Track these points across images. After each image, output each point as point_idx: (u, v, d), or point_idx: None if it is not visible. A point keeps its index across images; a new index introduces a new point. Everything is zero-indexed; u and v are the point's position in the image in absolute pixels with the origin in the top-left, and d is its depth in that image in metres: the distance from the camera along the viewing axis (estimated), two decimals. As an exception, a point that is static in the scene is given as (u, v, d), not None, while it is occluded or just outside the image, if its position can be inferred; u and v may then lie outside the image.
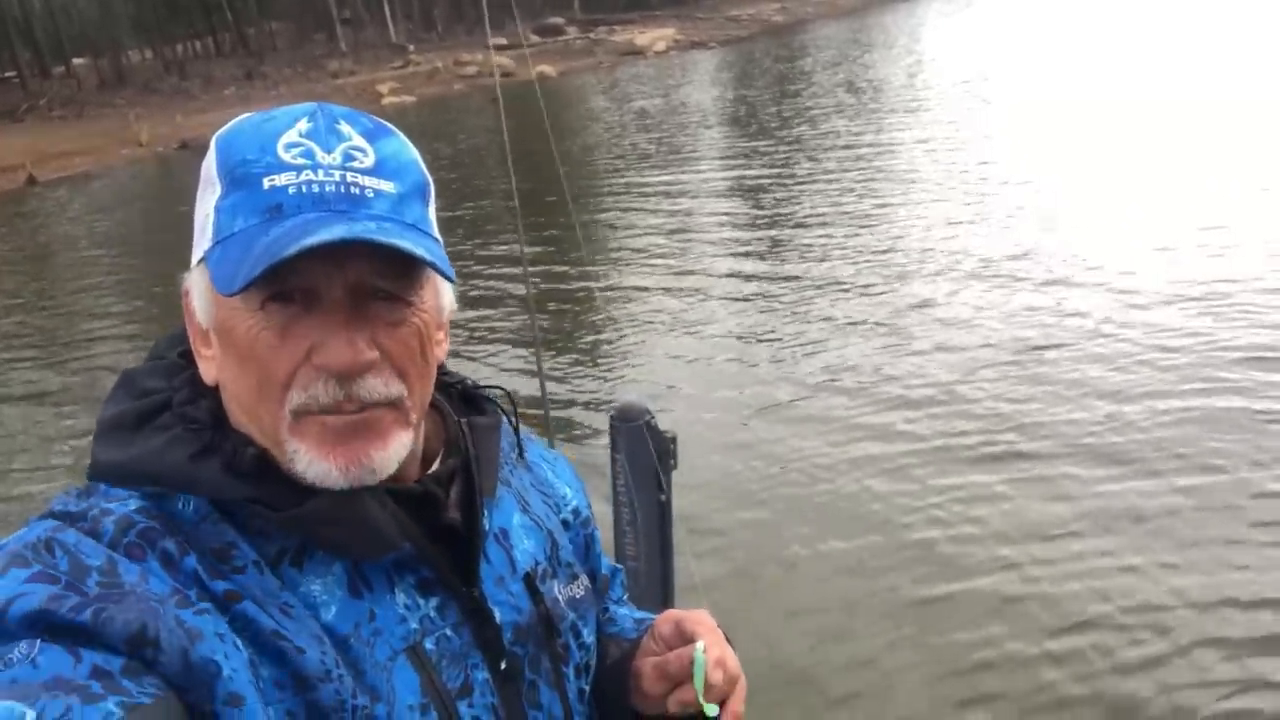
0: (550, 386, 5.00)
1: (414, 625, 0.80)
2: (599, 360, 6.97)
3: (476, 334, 7.63)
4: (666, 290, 8.37)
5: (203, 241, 0.76)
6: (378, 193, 0.76)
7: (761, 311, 7.46)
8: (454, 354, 4.63)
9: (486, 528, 0.88)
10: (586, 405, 6.06)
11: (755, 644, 3.45)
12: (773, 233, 9.91)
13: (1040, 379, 5.58)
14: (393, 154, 0.79)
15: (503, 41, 47.10)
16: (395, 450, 0.78)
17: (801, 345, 6.66)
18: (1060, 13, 33.85)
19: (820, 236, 9.31)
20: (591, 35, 48.77)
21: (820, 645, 3.56)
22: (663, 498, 1.29)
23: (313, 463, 0.75)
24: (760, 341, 6.82)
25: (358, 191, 0.75)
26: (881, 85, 21.09)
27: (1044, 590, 3.74)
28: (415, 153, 0.82)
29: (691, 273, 8.87)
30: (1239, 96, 13.38)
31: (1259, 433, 4.70)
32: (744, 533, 4.34)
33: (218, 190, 0.75)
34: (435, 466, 0.88)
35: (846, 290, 7.65)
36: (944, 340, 6.36)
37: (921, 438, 5.07)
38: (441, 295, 0.84)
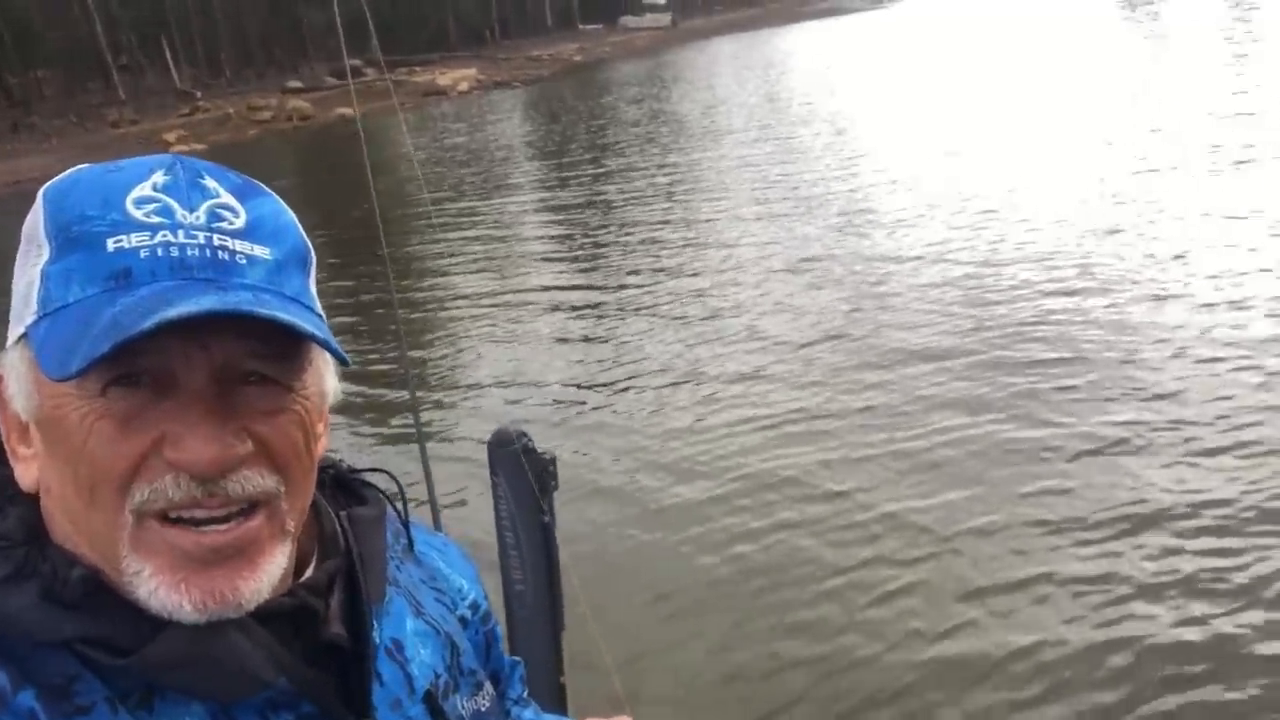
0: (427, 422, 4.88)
1: None
2: (455, 389, 6.87)
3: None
4: (494, 314, 8.45)
5: (24, 315, 0.62)
6: (251, 259, 0.64)
7: (598, 322, 7.65)
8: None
9: (377, 641, 0.74)
10: (465, 438, 5.99)
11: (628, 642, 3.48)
12: (593, 250, 10.31)
13: (849, 357, 6.20)
14: (268, 215, 0.68)
15: (299, 84, 45.68)
16: (269, 575, 0.64)
17: (625, 349, 6.98)
18: (849, 45, 36.35)
19: (638, 252, 9.81)
20: (392, 76, 48.06)
21: (692, 642, 3.63)
22: (545, 519, 1.29)
23: (159, 591, 0.61)
24: (595, 346, 6.97)
25: (227, 257, 0.63)
26: (680, 116, 22.13)
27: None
28: (292, 215, 0.71)
29: (518, 291, 9.05)
30: (1022, 111, 14.81)
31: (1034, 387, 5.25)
32: (622, 544, 4.38)
33: (45, 253, 0.62)
34: (310, 572, 0.73)
35: (662, 298, 8.18)
36: (757, 329, 7.12)
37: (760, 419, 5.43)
38: (325, 380, 0.71)
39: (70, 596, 0.61)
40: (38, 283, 0.62)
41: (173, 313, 0.57)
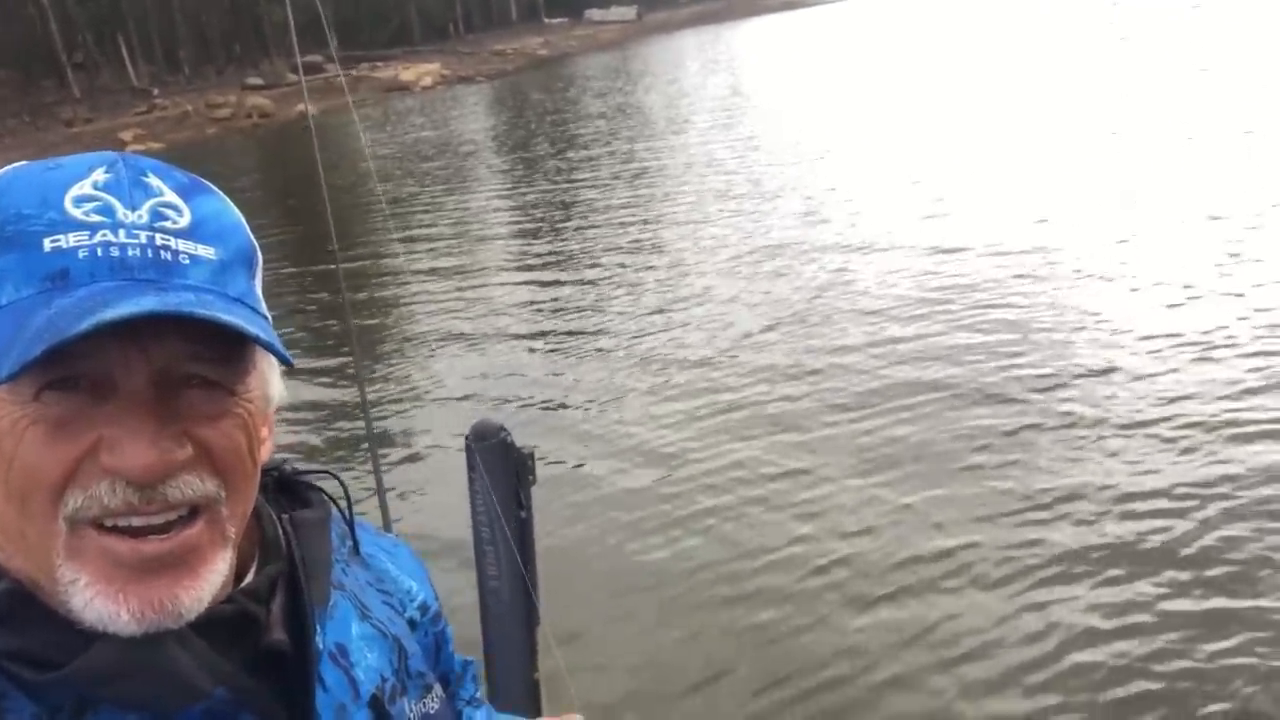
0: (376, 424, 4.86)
1: None
2: (410, 386, 6.82)
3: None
4: (449, 310, 8.44)
5: None
6: (194, 259, 0.62)
7: (567, 316, 7.63)
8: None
9: (320, 647, 0.72)
10: (418, 437, 5.98)
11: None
12: (553, 245, 10.30)
13: (811, 343, 6.24)
14: (213, 214, 0.66)
15: (259, 81, 45.08)
16: (210, 583, 0.62)
17: (594, 340, 6.93)
18: (809, 37, 36.52)
19: (598, 246, 9.82)
20: (354, 72, 47.57)
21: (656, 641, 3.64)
22: (523, 514, 1.28)
23: (95, 601, 0.59)
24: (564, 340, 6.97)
25: (169, 257, 0.61)
26: (645, 109, 22.23)
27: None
28: (239, 214, 0.69)
29: (476, 287, 9.04)
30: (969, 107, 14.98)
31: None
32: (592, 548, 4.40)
33: None
34: (250, 577, 0.71)
35: (619, 288, 8.29)
36: (712, 318, 7.25)
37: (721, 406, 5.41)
38: (270, 384, 0.70)
39: None
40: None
41: (110, 314, 0.54)
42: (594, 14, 71.40)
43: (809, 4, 54.86)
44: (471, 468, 1.28)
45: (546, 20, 71.50)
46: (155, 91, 46.36)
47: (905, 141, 13.14)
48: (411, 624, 0.85)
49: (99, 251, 0.59)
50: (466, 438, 1.28)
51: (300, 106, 35.93)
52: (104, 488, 0.58)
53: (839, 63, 25.79)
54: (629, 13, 70.84)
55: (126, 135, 33.95)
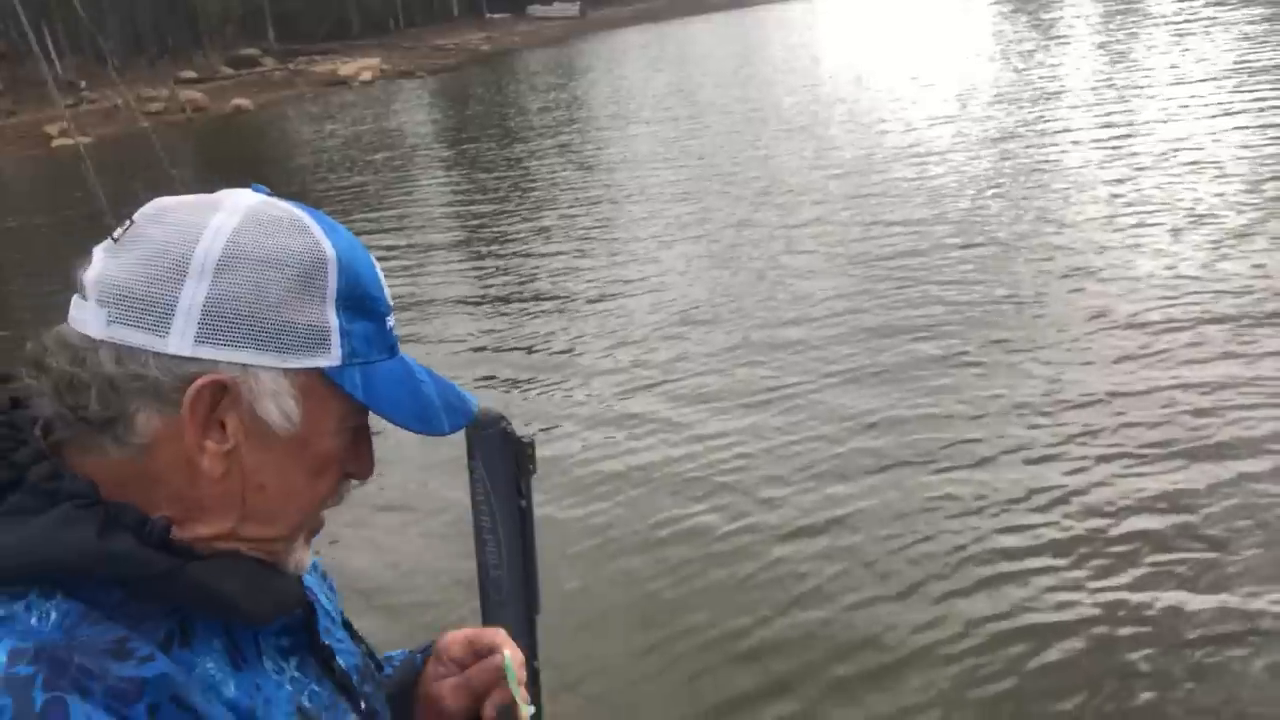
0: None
1: (289, 688, 0.80)
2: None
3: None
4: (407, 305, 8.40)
5: (316, 351, 0.74)
6: None
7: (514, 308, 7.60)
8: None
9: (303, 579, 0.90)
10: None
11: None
12: (497, 239, 10.35)
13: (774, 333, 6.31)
14: None
15: (192, 75, 43.96)
16: None
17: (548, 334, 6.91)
18: (753, 35, 36.79)
19: (541, 239, 10.03)
20: (291, 66, 46.62)
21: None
22: (523, 503, 1.28)
23: (297, 554, 0.81)
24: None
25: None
26: (590, 104, 22.38)
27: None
28: None
29: (423, 285, 9.01)
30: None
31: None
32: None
33: (330, 302, 0.74)
34: None
35: (561, 282, 8.46)
36: (658, 306, 7.45)
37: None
38: None
39: (157, 539, 0.71)
40: (335, 332, 0.75)
41: (469, 408, 0.87)
42: (537, 9, 70.92)
43: (753, 3, 55.28)
44: (471, 456, 1.27)
45: (488, 15, 70.82)
46: (83, 84, 44.89)
47: (847, 131, 13.44)
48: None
49: (393, 331, 0.82)
50: (466, 426, 1.28)
51: (238, 101, 35.14)
52: (339, 491, 0.83)
53: (782, 57, 26.11)
54: (572, 9, 70.50)
55: (52, 129, 32.63)
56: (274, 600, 0.77)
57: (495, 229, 11.14)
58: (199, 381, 0.70)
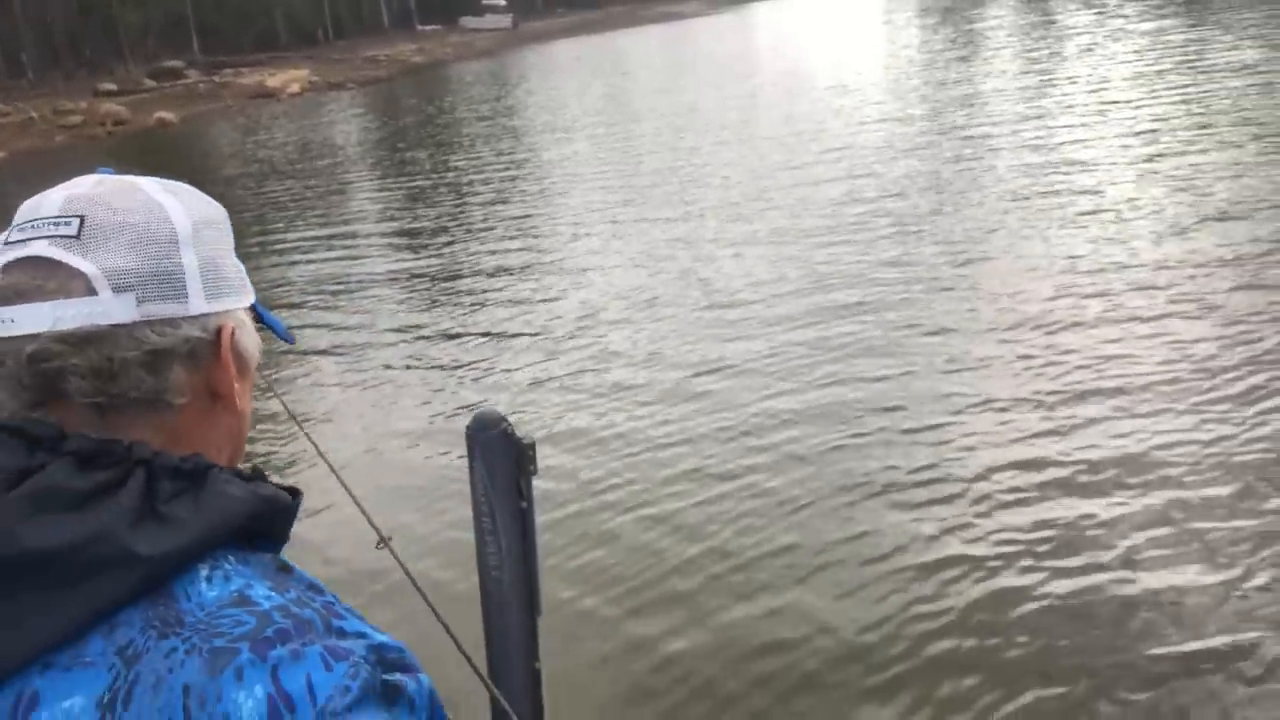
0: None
1: None
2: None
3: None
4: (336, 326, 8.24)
5: (244, 292, 0.84)
6: None
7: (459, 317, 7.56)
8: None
9: None
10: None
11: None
12: (439, 260, 10.08)
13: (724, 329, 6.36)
14: None
15: (113, 87, 42.74)
16: None
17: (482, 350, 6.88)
18: (684, 47, 37.09)
19: (480, 253, 9.76)
20: (216, 78, 45.63)
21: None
22: (524, 505, 1.29)
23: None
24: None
25: None
26: (523, 115, 22.36)
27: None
28: None
29: (353, 302, 8.79)
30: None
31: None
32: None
33: (230, 247, 0.84)
34: None
35: (499, 295, 8.13)
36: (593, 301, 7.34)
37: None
38: None
39: (249, 478, 0.78)
40: (246, 278, 0.85)
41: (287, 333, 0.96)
42: (469, 21, 70.65)
43: (685, 16, 55.79)
44: (472, 457, 1.28)
45: (420, 27, 70.33)
46: (-5, 96, 43.31)
47: (777, 138, 13.60)
48: None
49: None
50: (467, 428, 1.29)
51: (161, 114, 34.25)
52: None
53: (714, 68, 26.41)
54: (504, 20, 70.39)
55: (-36, 143, 31.51)
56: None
57: (430, 238, 11.04)
58: (226, 328, 0.80)
